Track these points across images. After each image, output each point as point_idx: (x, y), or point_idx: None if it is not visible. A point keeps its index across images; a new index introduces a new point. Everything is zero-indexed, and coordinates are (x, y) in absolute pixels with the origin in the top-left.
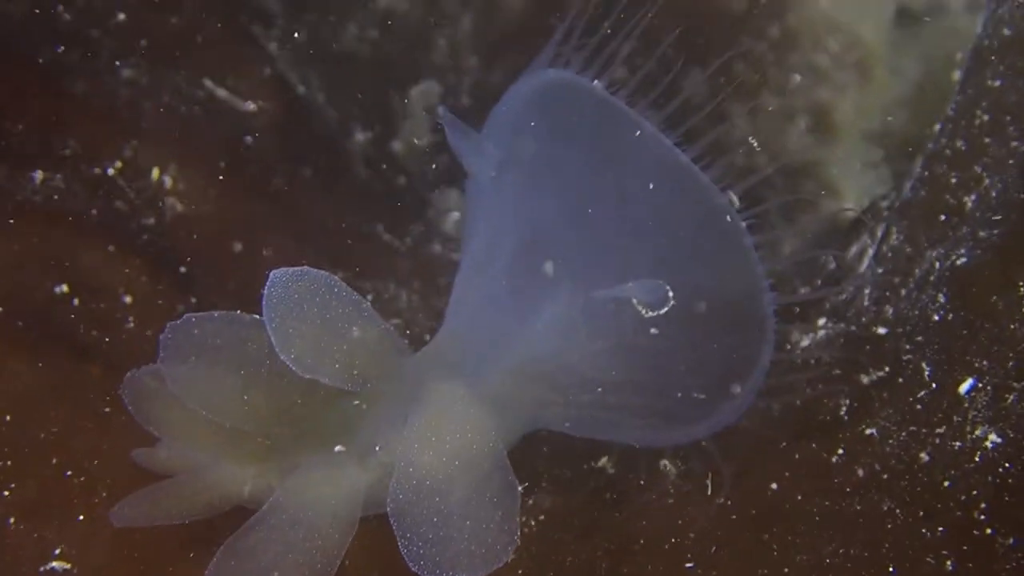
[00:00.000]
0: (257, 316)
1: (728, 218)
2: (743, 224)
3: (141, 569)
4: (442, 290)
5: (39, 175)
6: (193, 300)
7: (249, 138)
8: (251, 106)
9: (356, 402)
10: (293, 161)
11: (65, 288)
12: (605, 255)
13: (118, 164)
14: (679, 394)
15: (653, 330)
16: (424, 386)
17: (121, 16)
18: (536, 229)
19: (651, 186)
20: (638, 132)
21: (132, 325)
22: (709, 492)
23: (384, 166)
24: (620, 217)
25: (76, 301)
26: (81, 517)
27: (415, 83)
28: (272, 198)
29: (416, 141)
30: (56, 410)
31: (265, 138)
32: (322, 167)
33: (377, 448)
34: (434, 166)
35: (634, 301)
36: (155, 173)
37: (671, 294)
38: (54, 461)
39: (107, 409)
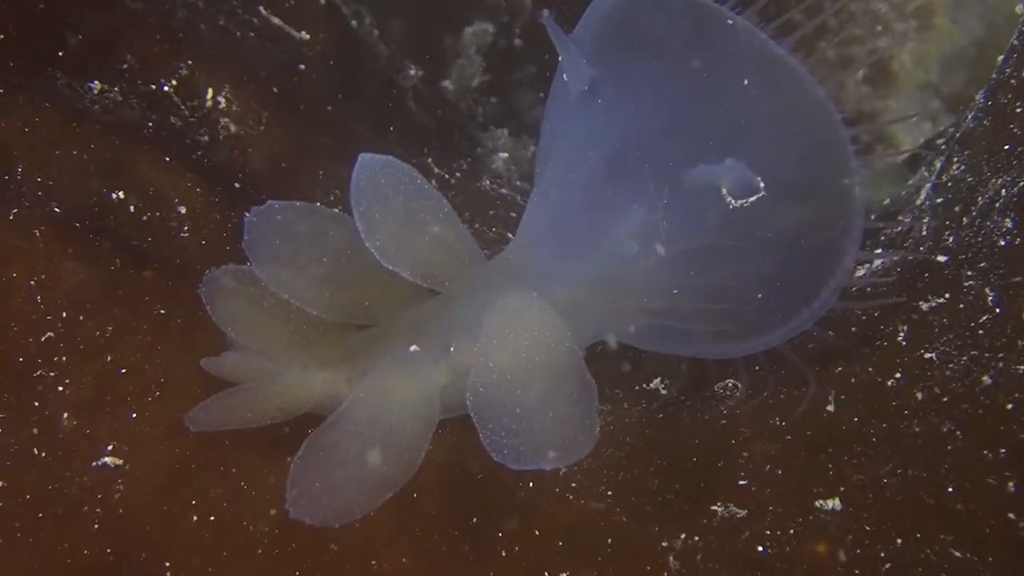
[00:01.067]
0: (336, 211)
1: (825, 109)
2: (839, 116)
3: (192, 468)
4: (492, 221)
5: (97, 85)
6: (247, 215)
7: (302, 66)
8: (304, 35)
9: (431, 303)
10: (345, 92)
11: (121, 194)
12: (695, 158)
13: (173, 82)
14: (758, 297)
15: (737, 225)
16: (498, 292)
17: None
18: (624, 142)
19: (745, 82)
20: (729, 22)
21: (186, 234)
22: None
23: (433, 105)
24: (712, 119)
25: (132, 208)
26: (134, 415)
27: (468, 23)
28: (323, 125)
29: (468, 81)
30: (110, 310)
31: (318, 67)
32: (373, 100)
33: (452, 349)
34: (482, 108)
35: (722, 189)
36: (209, 93)
37: (761, 183)
38: (108, 359)
39: (161, 311)
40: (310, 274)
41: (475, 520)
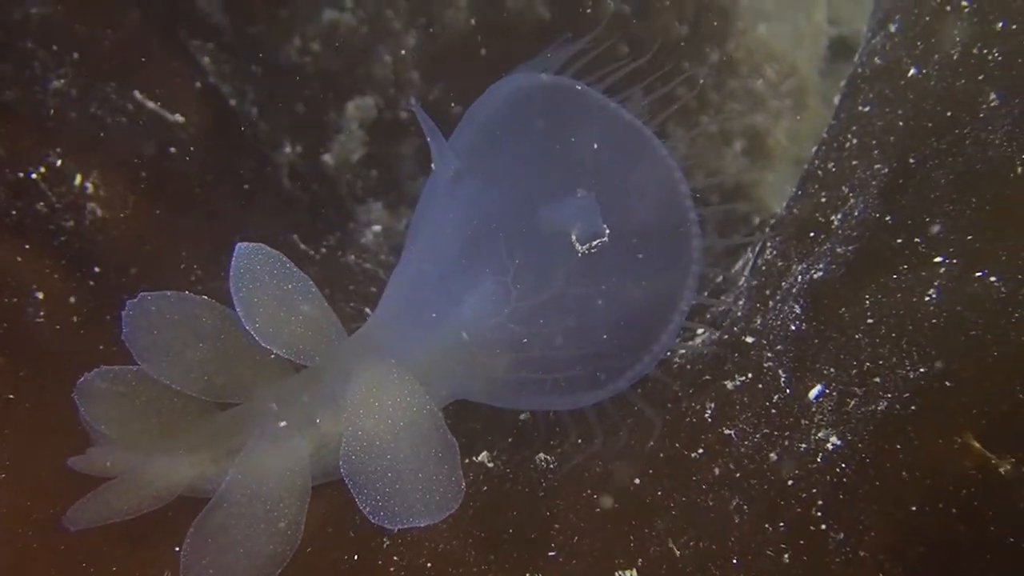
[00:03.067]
0: (204, 297)
1: (666, 166)
2: (679, 172)
3: (35, 550)
4: (351, 295)
5: None
6: (104, 299)
7: (172, 149)
8: (179, 118)
9: (294, 378)
10: (216, 172)
11: None
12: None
13: (42, 169)
14: (603, 338)
15: (584, 272)
16: (359, 363)
17: (55, 30)
18: (482, 222)
19: (595, 146)
20: (579, 88)
21: (41, 319)
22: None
23: (310, 179)
24: (564, 184)
25: None
26: None
27: (351, 97)
28: (189, 206)
29: (349, 155)
30: None
31: (190, 149)
32: (245, 179)
33: (318, 421)
34: (362, 181)
35: (572, 235)
36: (78, 179)
37: (606, 228)
38: None
39: (10, 396)
40: (187, 359)
41: None
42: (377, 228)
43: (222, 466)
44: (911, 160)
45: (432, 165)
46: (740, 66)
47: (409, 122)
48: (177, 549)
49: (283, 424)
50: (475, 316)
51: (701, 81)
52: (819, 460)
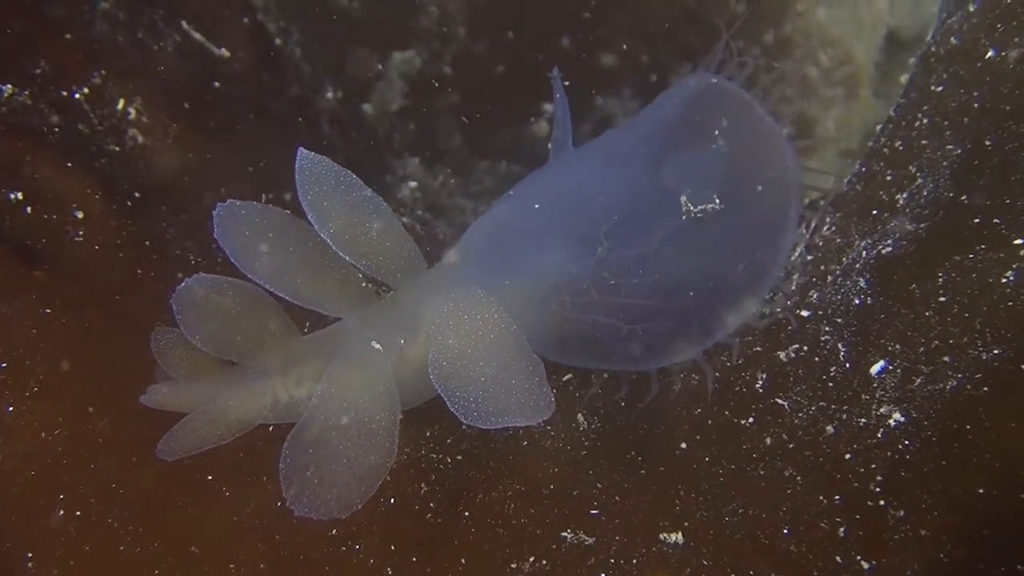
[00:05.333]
0: (288, 212)
1: (787, 162)
2: (798, 167)
3: (64, 463)
4: None
5: (8, 88)
6: (143, 225)
7: (217, 83)
8: (224, 52)
9: (377, 304)
10: (257, 111)
11: (20, 195)
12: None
13: (85, 90)
14: (690, 295)
15: (683, 235)
16: (442, 289)
17: None
18: (587, 194)
19: (716, 131)
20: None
21: (80, 238)
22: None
23: (349, 127)
24: None
25: (29, 209)
26: (10, 408)
27: (398, 48)
28: (231, 143)
29: (388, 106)
30: None
31: (233, 85)
32: (285, 120)
33: (401, 342)
34: (399, 135)
35: (682, 198)
36: (120, 103)
37: (718, 200)
38: None
39: (47, 310)
40: (276, 262)
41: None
42: (413, 184)
43: (306, 388)
44: (987, 142)
45: (554, 132)
46: (794, 49)
47: (449, 79)
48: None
49: (367, 344)
50: (560, 260)
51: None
52: (879, 436)
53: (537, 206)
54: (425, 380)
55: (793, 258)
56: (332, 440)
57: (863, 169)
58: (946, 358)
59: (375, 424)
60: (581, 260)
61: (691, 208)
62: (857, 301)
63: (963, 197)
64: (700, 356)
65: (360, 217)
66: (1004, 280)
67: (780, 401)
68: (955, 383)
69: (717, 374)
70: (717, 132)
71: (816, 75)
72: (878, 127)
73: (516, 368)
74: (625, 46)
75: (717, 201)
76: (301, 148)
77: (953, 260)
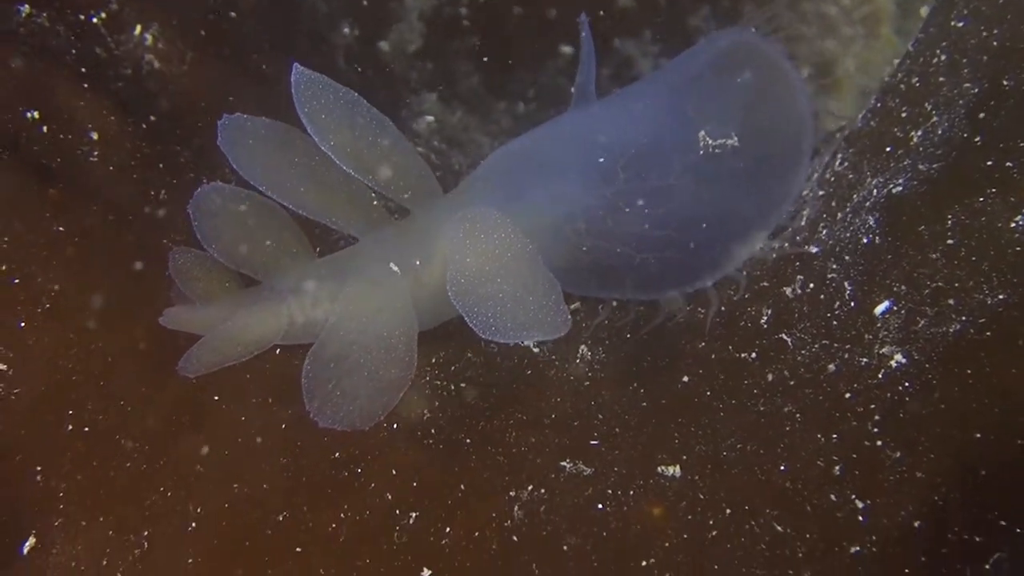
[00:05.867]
0: (295, 128)
1: (805, 112)
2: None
3: (73, 380)
4: None
5: (25, 8)
6: (158, 148)
7: (233, 13)
8: None
9: (392, 226)
10: (273, 42)
11: (36, 114)
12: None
13: (103, 15)
14: (703, 227)
15: (700, 169)
16: (459, 210)
17: None
18: (612, 131)
19: (738, 79)
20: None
21: (95, 159)
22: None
23: (364, 64)
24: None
25: (45, 128)
26: (22, 324)
27: None
28: (246, 73)
29: (406, 46)
30: (11, 222)
31: (250, 16)
32: (301, 54)
33: (417, 263)
34: (416, 73)
35: (700, 132)
36: (137, 29)
37: (736, 137)
38: (2, 268)
39: (60, 228)
40: (284, 176)
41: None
42: (430, 118)
43: (321, 309)
44: (1005, 82)
45: (578, 77)
46: None
47: (466, 19)
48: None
49: (383, 265)
50: (577, 189)
51: None
52: (880, 376)
53: (557, 139)
54: (439, 302)
55: (804, 192)
56: (352, 355)
57: (878, 105)
58: (951, 301)
59: (394, 339)
60: (598, 189)
61: (709, 143)
62: (865, 240)
63: (976, 138)
64: (710, 286)
65: (364, 132)
66: (1013, 225)
67: (784, 337)
68: (959, 326)
69: (723, 308)
70: (741, 75)
71: (836, 13)
72: (895, 61)
73: (534, 285)
74: None
75: (735, 137)
76: (296, 64)
77: (963, 202)
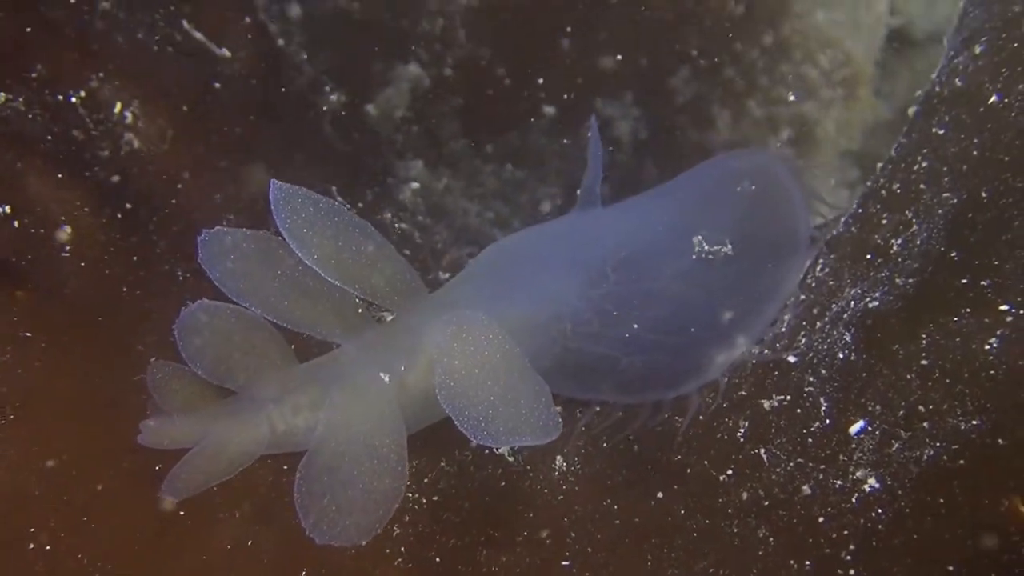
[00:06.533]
0: (280, 238)
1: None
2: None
3: (36, 495)
4: None
5: (1, 96)
6: (132, 240)
7: (217, 84)
8: (225, 52)
9: (376, 330)
10: (258, 113)
11: (8, 209)
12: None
13: (82, 94)
14: (691, 331)
15: (691, 274)
16: (444, 312)
17: None
18: (604, 233)
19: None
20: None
21: (67, 255)
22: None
23: (351, 128)
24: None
25: (16, 223)
26: None
27: (401, 52)
28: (229, 147)
29: (392, 111)
30: None
31: (234, 87)
32: (287, 123)
33: (402, 368)
34: (402, 136)
35: (697, 238)
36: (117, 107)
37: (730, 245)
38: None
39: (27, 333)
40: (266, 288)
41: None
42: (415, 185)
43: (303, 417)
44: (983, 194)
45: (584, 180)
46: (793, 51)
47: (453, 81)
48: None
49: (367, 370)
50: (565, 289)
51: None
52: (854, 501)
53: (549, 238)
54: (424, 406)
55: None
56: (344, 466)
57: (859, 210)
58: (925, 424)
59: (384, 448)
60: (586, 291)
61: (705, 248)
62: (841, 355)
63: (953, 253)
64: (695, 391)
65: (347, 241)
66: (987, 347)
67: (760, 453)
68: (932, 452)
69: (700, 417)
70: (741, 184)
71: (815, 76)
72: (878, 166)
73: (523, 388)
74: (624, 49)
75: (729, 245)
76: (274, 180)
77: (938, 322)
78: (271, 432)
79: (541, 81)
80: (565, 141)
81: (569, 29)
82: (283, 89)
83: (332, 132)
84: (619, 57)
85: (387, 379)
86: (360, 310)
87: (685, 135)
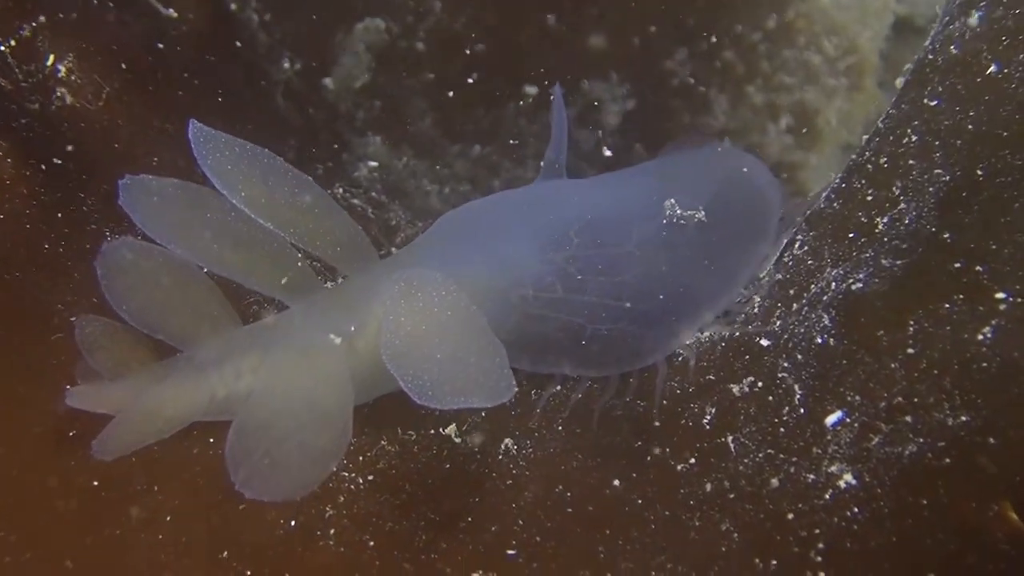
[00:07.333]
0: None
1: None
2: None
3: None
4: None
5: None
6: (58, 195)
7: (160, 44)
8: (172, 12)
9: (325, 293)
10: (204, 78)
11: None
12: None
13: (12, 42)
14: (660, 299)
15: (659, 240)
16: (396, 272)
17: None
18: (567, 196)
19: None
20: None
21: None
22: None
23: (305, 101)
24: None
25: None
26: None
27: (362, 18)
28: (169, 110)
29: (352, 81)
30: None
31: (178, 48)
32: (235, 89)
33: (352, 328)
34: (363, 112)
35: (670, 202)
36: (50, 59)
37: (703, 212)
38: None
39: None
40: (195, 232)
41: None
42: (373, 164)
43: (245, 382)
44: (979, 171)
45: (547, 152)
46: (797, 36)
47: (422, 55)
48: None
49: (313, 333)
50: (526, 252)
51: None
52: (827, 497)
53: (510, 203)
54: (374, 372)
55: (761, 275)
56: (280, 423)
57: (843, 185)
58: (908, 418)
59: (327, 406)
60: (549, 254)
61: (677, 212)
62: (820, 340)
63: (945, 235)
64: (662, 363)
65: (279, 187)
66: (980, 337)
67: (727, 441)
68: (915, 448)
69: (664, 401)
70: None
71: (819, 63)
72: (863, 137)
73: (475, 348)
74: (615, 27)
75: (702, 211)
76: (192, 120)
77: (927, 308)
78: (210, 398)
79: (524, 59)
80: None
81: (556, 4)
82: (233, 55)
83: (285, 104)
84: (610, 36)
85: (338, 341)
86: (302, 265)
87: (679, 120)
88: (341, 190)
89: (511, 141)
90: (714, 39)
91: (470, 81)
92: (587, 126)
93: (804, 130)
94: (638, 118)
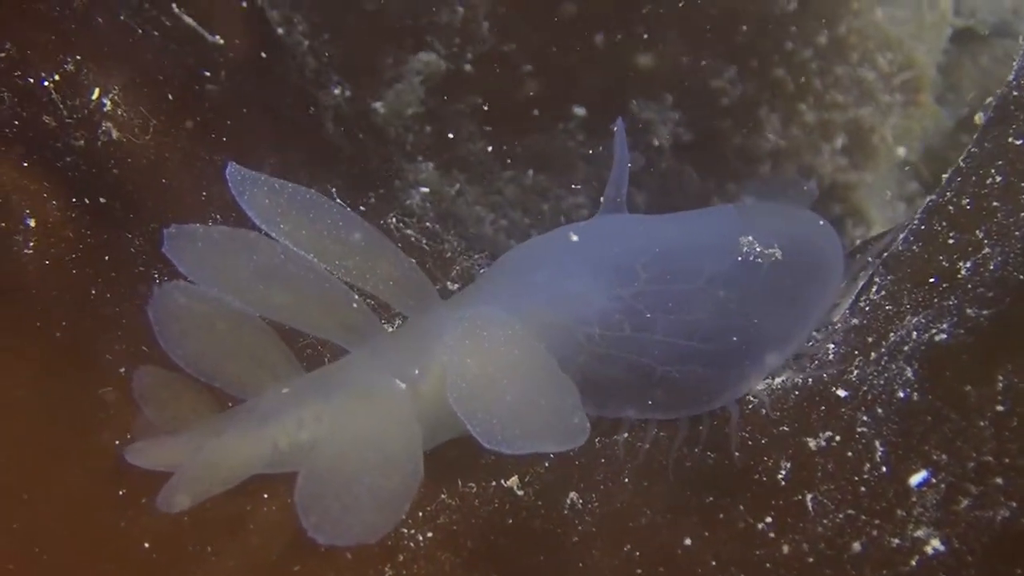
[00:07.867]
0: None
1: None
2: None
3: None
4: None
5: None
6: (104, 237)
7: (207, 72)
8: (218, 39)
9: (383, 337)
10: (252, 106)
11: None
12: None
13: (56, 77)
14: (733, 340)
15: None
16: (462, 311)
17: None
18: (636, 229)
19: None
20: None
21: (30, 251)
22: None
23: (356, 127)
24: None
25: None
26: None
27: (414, 44)
28: (220, 141)
29: (404, 108)
30: None
31: (226, 76)
32: (284, 117)
33: (416, 372)
34: (413, 136)
35: (744, 238)
36: (95, 93)
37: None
38: None
39: None
40: (244, 275)
41: None
42: (425, 190)
43: (308, 432)
44: None
45: (607, 190)
46: (850, 52)
47: (472, 78)
48: None
49: (377, 376)
50: (591, 288)
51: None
52: (913, 564)
53: (571, 238)
54: (440, 418)
55: (835, 320)
56: (349, 467)
57: (922, 227)
58: (999, 480)
59: (395, 446)
60: (616, 289)
61: (754, 250)
62: (902, 394)
63: None
64: (735, 407)
65: (323, 224)
66: None
67: (804, 499)
68: (1008, 513)
69: (737, 454)
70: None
71: (874, 79)
72: (944, 177)
73: (546, 388)
74: (664, 46)
75: (779, 251)
76: (230, 162)
77: (1017, 362)
78: (272, 449)
79: (572, 79)
80: (600, 148)
81: (604, 23)
82: (281, 81)
83: (334, 130)
84: (658, 54)
85: (403, 386)
86: (363, 311)
87: (730, 140)
88: (395, 219)
89: (560, 164)
90: (764, 57)
91: (519, 103)
92: (637, 148)
93: (858, 149)
94: (688, 139)
